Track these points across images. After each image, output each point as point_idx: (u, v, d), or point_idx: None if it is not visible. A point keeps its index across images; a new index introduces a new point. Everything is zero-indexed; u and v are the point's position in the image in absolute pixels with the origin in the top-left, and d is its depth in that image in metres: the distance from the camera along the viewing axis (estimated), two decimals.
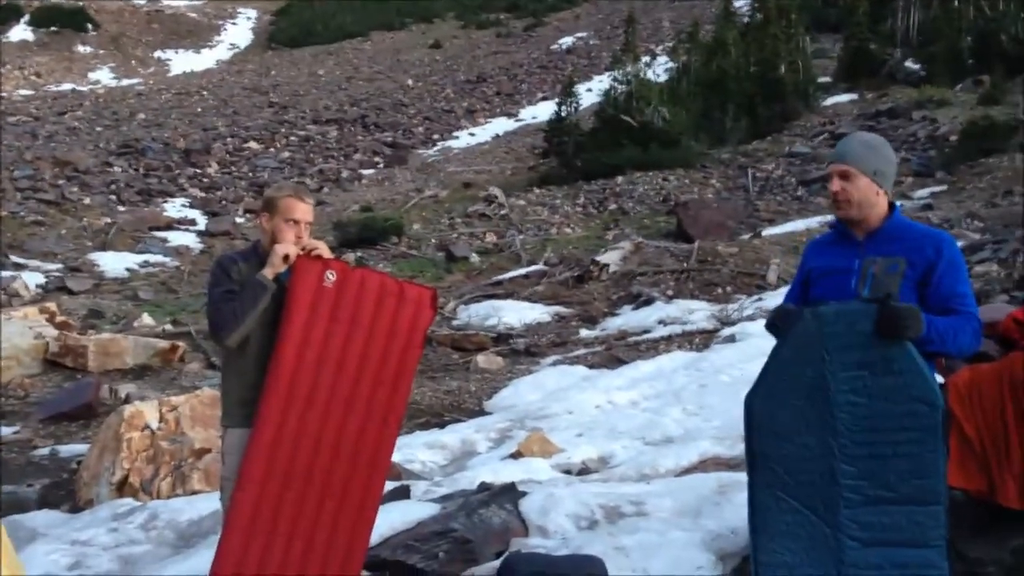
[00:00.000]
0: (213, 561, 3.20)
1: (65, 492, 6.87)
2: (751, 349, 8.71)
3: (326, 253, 3.37)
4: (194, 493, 6.33)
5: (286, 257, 3.28)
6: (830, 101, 29.36)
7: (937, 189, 18.90)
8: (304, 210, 3.41)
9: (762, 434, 2.90)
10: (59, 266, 20.46)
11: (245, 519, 3.18)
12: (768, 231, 17.65)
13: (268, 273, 3.26)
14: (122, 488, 6.40)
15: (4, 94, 46.49)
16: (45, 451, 8.16)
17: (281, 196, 3.43)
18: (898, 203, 3.10)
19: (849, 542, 2.74)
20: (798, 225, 17.55)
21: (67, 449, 8.18)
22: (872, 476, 2.73)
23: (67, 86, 52.04)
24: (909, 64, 30.99)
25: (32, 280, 18.63)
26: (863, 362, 2.74)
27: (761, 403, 2.91)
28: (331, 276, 3.30)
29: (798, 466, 2.82)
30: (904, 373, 2.71)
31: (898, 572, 2.69)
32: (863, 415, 2.74)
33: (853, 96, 29.27)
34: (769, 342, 3.08)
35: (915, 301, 2.80)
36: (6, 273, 18.78)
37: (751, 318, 11.27)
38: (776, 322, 3.00)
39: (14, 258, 20.38)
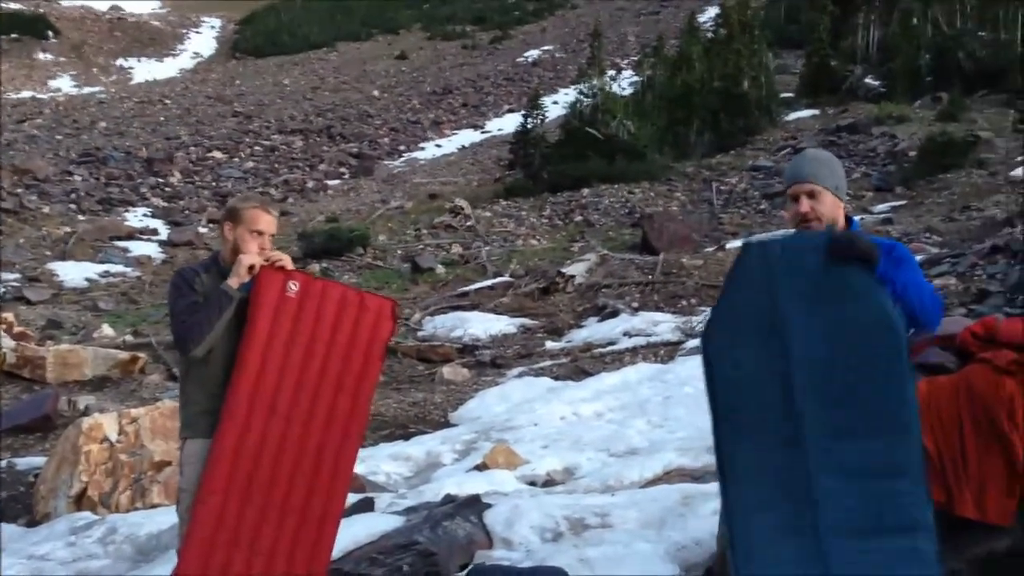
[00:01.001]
0: (174, 570, 3.16)
1: (22, 505, 6.73)
2: None
3: (289, 264, 3.37)
4: (153, 507, 6.25)
5: (251, 268, 3.27)
6: (792, 116, 29.79)
7: (897, 203, 19.21)
8: (268, 222, 3.40)
9: (721, 374, 2.80)
10: (17, 276, 20.10)
11: (206, 530, 3.15)
12: (732, 244, 17.82)
13: (233, 283, 3.25)
14: (80, 501, 6.30)
15: None
16: (1, 464, 7.99)
17: (246, 207, 3.42)
18: (857, 217, 3.12)
19: (821, 477, 2.64)
20: (761, 238, 17.72)
21: (24, 462, 8.01)
22: (839, 406, 2.64)
23: (27, 94, 51.34)
24: (869, 80, 31.55)
25: None
26: (819, 291, 2.67)
27: (715, 346, 2.81)
28: (293, 287, 3.31)
29: (760, 402, 2.72)
30: (864, 298, 2.64)
31: (876, 504, 2.61)
32: (821, 347, 2.67)
33: (815, 111, 29.73)
34: None
35: None
36: None
37: None
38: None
39: None
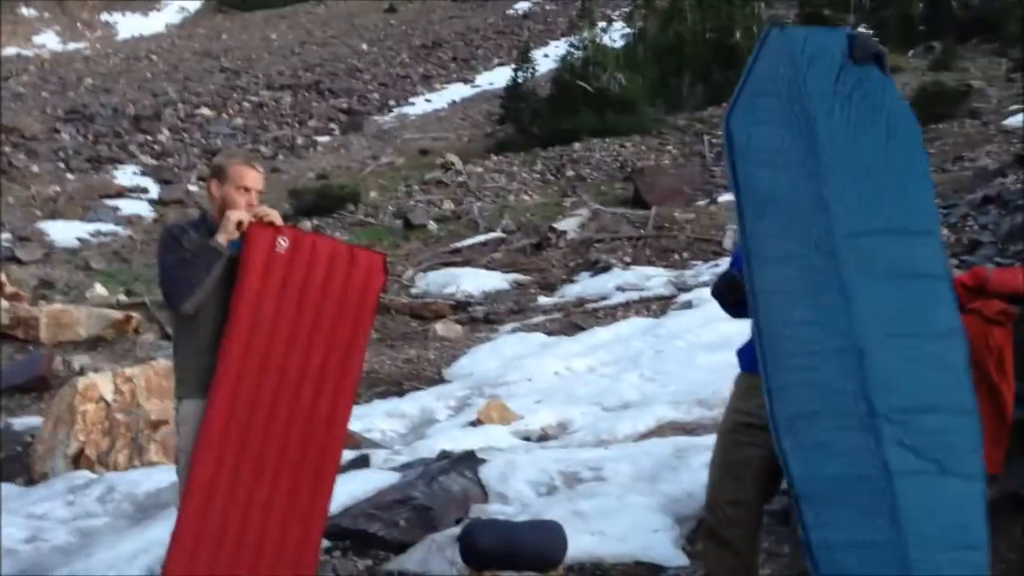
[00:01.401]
0: (172, 535, 3.19)
1: (20, 465, 6.78)
2: (707, 315, 8.82)
3: (278, 220, 3.34)
4: (151, 465, 6.30)
5: (239, 224, 3.25)
6: None
7: None
8: (255, 177, 3.38)
9: (744, 155, 2.72)
10: (7, 236, 19.99)
11: (203, 487, 3.17)
12: (724, 197, 17.79)
13: (221, 239, 3.23)
14: (78, 461, 6.35)
15: None
16: None
17: (232, 163, 3.41)
18: None
19: (850, 272, 2.58)
20: None
21: (20, 422, 8.06)
22: (862, 205, 2.62)
23: (11, 50, 50.56)
24: (863, 30, 31.28)
25: None
26: (839, 84, 2.67)
27: (739, 124, 2.74)
28: (283, 242, 3.28)
29: (785, 190, 2.67)
30: (878, 92, 2.68)
31: (905, 303, 2.57)
32: (844, 139, 2.66)
33: None
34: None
35: None
36: None
37: (707, 284, 11.40)
38: (721, 286, 3.01)
39: None
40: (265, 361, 3.25)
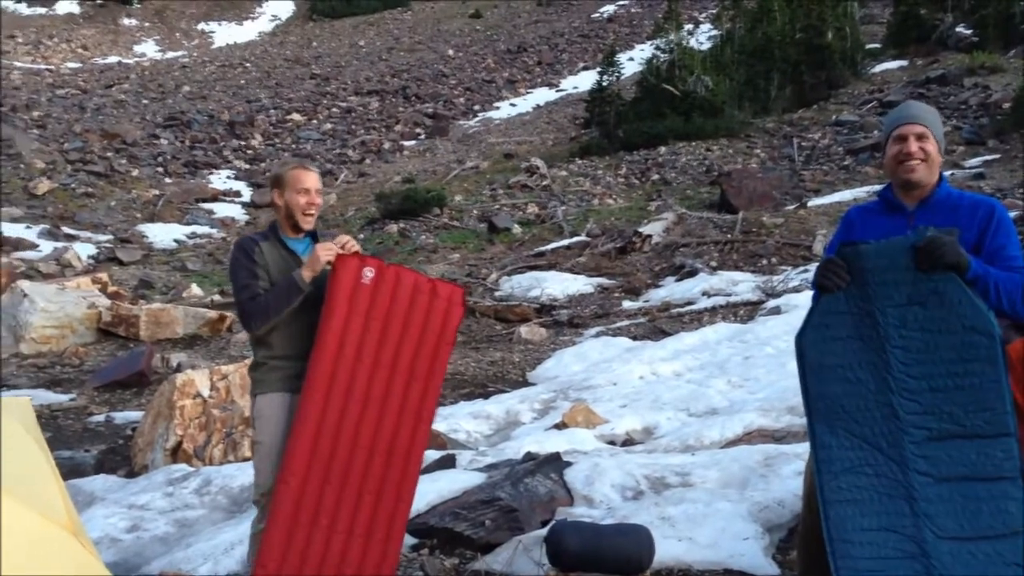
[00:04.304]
0: (257, 553, 3.30)
1: (121, 457, 7.05)
2: (797, 321, 8.63)
3: (358, 249, 3.45)
4: (245, 460, 6.46)
5: (328, 261, 3.37)
6: (878, 68, 28.79)
7: (989, 158, 18.50)
8: (312, 179, 3.52)
9: (816, 373, 2.81)
10: (109, 237, 20.85)
11: (288, 510, 3.27)
12: (814, 201, 17.43)
13: (306, 275, 3.34)
14: (176, 454, 6.56)
15: (53, 67, 47.20)
16: (100, 418, 8.37)
17: (287, 170, 3.54)
18: (947, 173, 3.02)
19: (919, 477, 2.66)
20: (845, 195, 17.31)
21: (121, 416, 8.38)
22: (935, 411, 2.66)
23: (113, 59, 52.66)
24: (960, 29, 30.21)
25: (84, 251, 19.03)
26: (912, 297, 2.68)
27: (811, 342, 2.83)
28: (368, 273, 3.37)
29: (856, 403, 2.75)
30: (956, 304, 2.64)
31: (973, 505, 2.61)
32: (917, 348, 2.68)
33: (902, 63, 28.66)
34: None
35: None
36: (59, 244, 19.17)
37: (796, 289, 11.17)
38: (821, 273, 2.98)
39: (66, 229, 20.79)
40: (349, 390, 3.33)
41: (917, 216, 2.91)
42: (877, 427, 2.72)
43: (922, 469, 2.66)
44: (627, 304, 12.81)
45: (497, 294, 14.23)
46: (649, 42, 35.39)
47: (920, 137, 2.90)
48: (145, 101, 38.91)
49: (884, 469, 2.70)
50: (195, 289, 15.13)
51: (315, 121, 35.70)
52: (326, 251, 3.33)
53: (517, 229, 19.37)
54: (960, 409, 2.64)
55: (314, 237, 3.58)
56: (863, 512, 2.72)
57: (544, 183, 23.21)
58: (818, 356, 2.80)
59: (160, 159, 29.08)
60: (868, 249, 2.76)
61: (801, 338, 2.85)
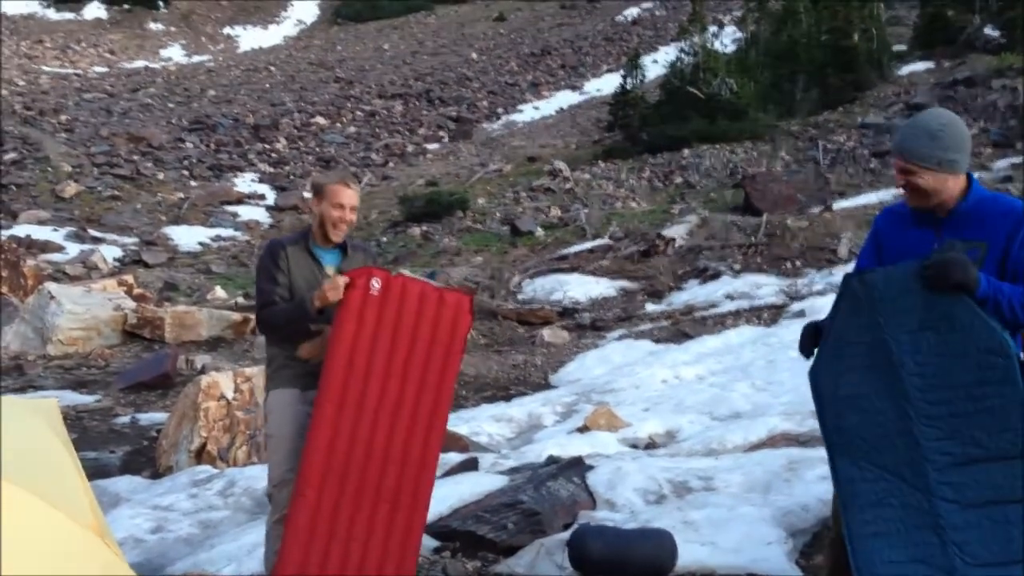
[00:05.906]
0: (275, 563, 3.33)
1: (146, 459, 7.10)
2: None
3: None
4: None
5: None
6: (905, 70, 28.52)
7: (1017, 160, 18.27)
8: (350, 195, 3.61)
9: (833, 406, 2.81)
10: (135, 240, 21.04)
11: (305, 524, 3.30)
12: (839, 204, 17.30)
13: (316, 303, 3.42)
14: (200, 455, 6.60)
15: (80, 71, 47.73)
16: (125, 419, 8.44)
17: (328, 183, 3.64)
18: (974, 175, 2.94)
19: (945, 504, 2.62)
20: (871, 198, 17.17)
21: (146, 417, 8.44)
22: (956, 435, 2.62)
23: (140, 63, 53.20)
24: (988, 31, 29.87)
25: (109, 253, 19.23)
26: (924, 322, 2.65)
27: (825, 375, 2.83)
28: (376, 284, 3.42)
29: (875, 433, 2.72)
30: (968, 327, 2.60)
31: (1003, 530, 2.56)
32: (934, 374, 2.64)
33: (929, 65, 28.37)
34: None
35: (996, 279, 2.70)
36: (85, 246, 19.38)
37: (821, 293, 11.10)
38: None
39: (92, 232, 21.01)
40: (361, 401, 3.37)
41: (945, 228, 2.82)
42: (899, 456, 2.69)
43: (948, 496, 2.63)
44: (650, 307, 12.77)
45: (520, 297, 14.23)
46: (673, 44, 35.25)
47: (904, 171, 2.81)
48: (171, 105, 39.27)
49: (910, 500, 2.67)
50: (219, 291, 15.24)
51: (339, 124, 35.87)
52: (335, 292, 3.39)
53: (540, 232, 19.36)
54: (982, 432, 2.60)
55: (343, 249, 3.67)
56: (891, 544, 2.69)
57: (567, 186, 23.19)
58: (833, 388, 2.79)
59: (185, 162, 29.33)
60: (876, 277, 2.74)
61: (815, 371, 2.85)
